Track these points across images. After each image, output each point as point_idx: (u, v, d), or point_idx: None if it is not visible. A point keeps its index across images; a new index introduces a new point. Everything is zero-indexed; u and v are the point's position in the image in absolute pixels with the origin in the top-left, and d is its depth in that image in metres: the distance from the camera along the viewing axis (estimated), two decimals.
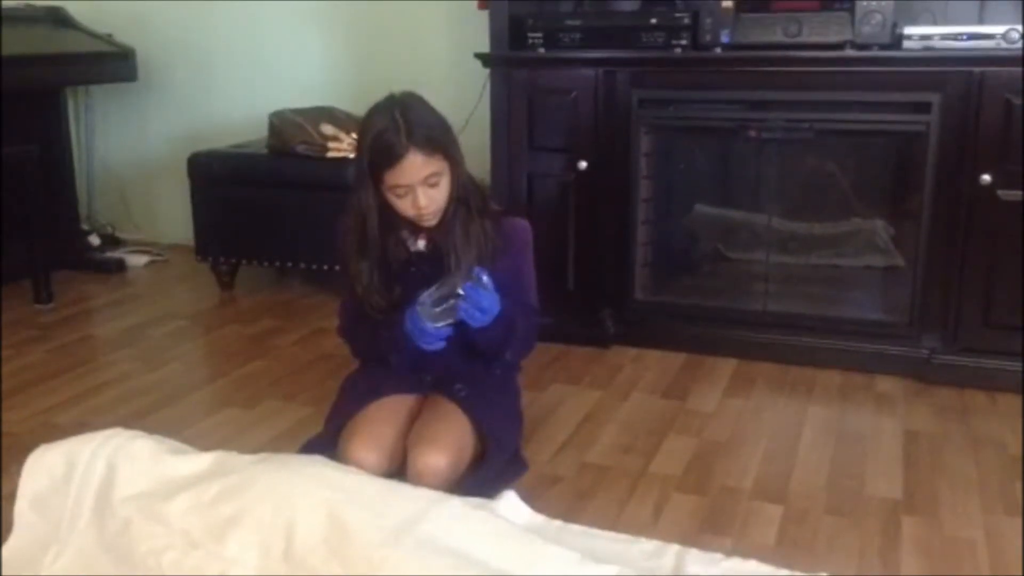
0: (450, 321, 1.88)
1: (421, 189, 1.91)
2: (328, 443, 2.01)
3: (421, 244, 2.05)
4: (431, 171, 1.91)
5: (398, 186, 1.91)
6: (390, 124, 1.89)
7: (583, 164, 2.89)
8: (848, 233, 3.04)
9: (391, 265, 2.03)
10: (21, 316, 3.33)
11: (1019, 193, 2.50)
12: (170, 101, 4.23)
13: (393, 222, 2.01)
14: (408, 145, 1.87)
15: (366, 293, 2.03)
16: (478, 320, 1.88)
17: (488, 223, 2.03)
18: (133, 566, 1.63)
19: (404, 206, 1.95)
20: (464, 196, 2.00)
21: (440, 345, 1.93)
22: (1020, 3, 2.72)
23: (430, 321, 1.87)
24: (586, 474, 2.17)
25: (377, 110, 1.94)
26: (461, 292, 1.84)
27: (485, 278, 1.87)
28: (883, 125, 2.70)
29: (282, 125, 3.44)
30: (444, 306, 1.86)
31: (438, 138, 1.92)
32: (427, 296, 1.87)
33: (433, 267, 2.00)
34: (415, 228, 2.03)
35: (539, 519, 1.85)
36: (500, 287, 2.02)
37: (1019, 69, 2.45)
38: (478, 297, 1.85)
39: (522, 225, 2.12)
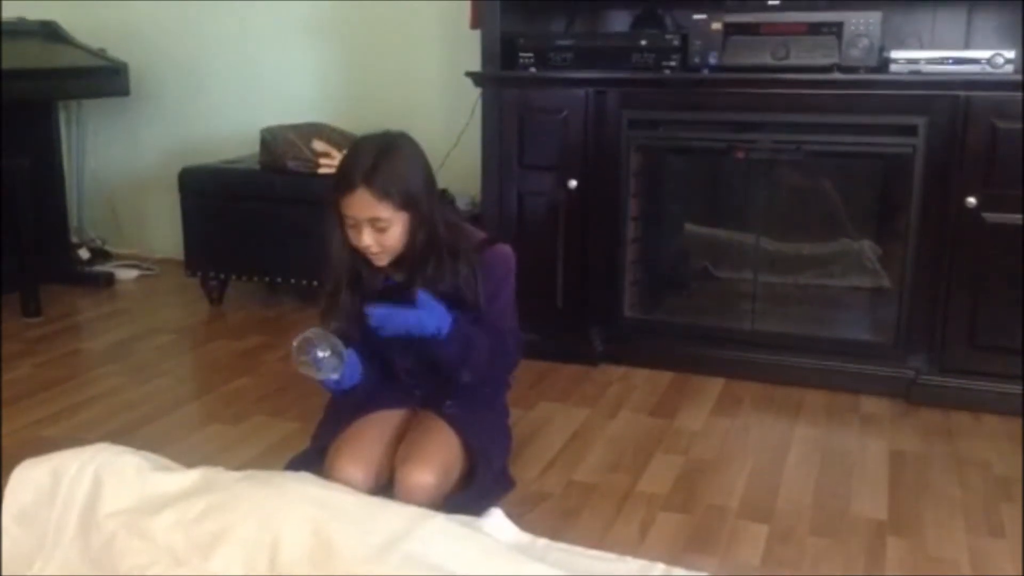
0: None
1: (367, 228, 1.92)
2: (315, 459, 2.01)
3: (398, 276, 2.04)
4: (377, 215, 1.90)
5: (346, 215, 1.93)
6: (361, 156, 1.92)
7: (573, 183, 2.90)
8: (835, 253, 3.06)
9: (365, 294, 2.03)
10: (9, 330, 3.32)
11: (1004, 216, 2.52)
12: (162, 116, 4.24)
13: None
14: (360, 182, 1.88)
15: (340, 316, 2.03)
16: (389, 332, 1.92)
17: (463, 263, 2.02)
18: None
19: (352, 237, 1.96)
20: (435, 243, 1.98)
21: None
22: (1006, 27, 2.76)
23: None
24: (573, 492, 2.17)
25: (362, 140, 1.98)
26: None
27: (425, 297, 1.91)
28: (870, 147, 2.72)
29: (273, 141, 3.45)
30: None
31: (400, 189, 1.91)
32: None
33: (406, 300, 1.97)
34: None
35: (525, 537, 1.85)
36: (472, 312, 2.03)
37: (1004, 94, 2.48)
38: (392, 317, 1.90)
39: (503, 254, 2.10)
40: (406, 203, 1.92)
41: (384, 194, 1.89)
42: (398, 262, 2.00)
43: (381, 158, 1.91)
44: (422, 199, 1.95)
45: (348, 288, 2.03)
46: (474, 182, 3.11)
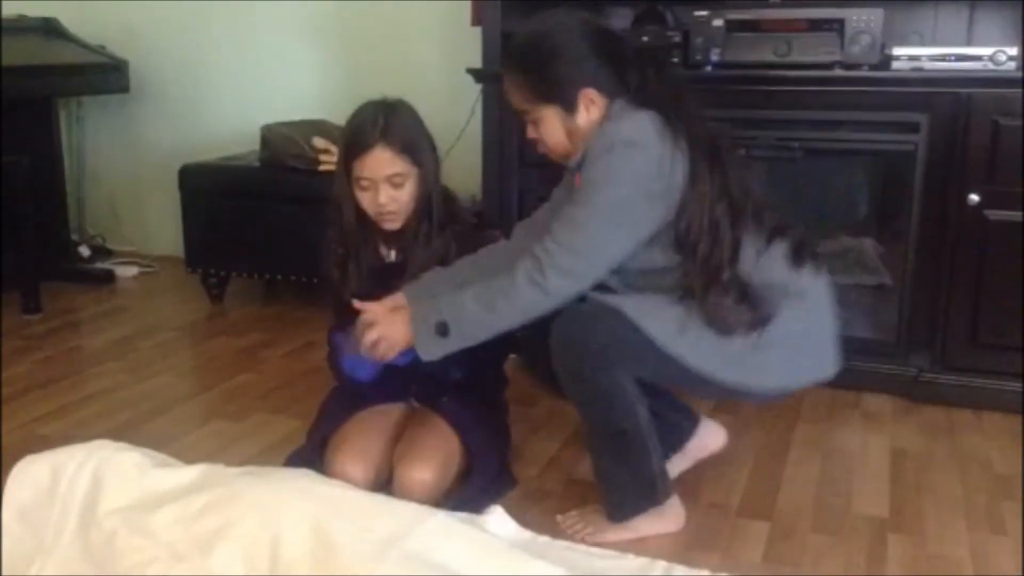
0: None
1: (384, 186, 1.96)
2: (314, 455, 2.01)
3: (393, 255, 2.09)
4: (396, 170, 1.95)
5: (362, 178, 1.97)
6: (369, 117, 1.96)
7: None
8: (837, 251, 3.05)
9: (367, 271, 2.06)
10: (9, 326, 3.31)
11: (1006, 213, 2.52)
12: (162, 113, 4.23)
13: (367, 223, 2.04)
14: (379, 138, 1.93)
15: (344, 285, 2.04)
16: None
17: (452, 239, 2.05)
18: None
19: (367, 200, 1.99)
20: (431, 208, 2.02)
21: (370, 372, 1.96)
22: (1008, 24, 2.76)
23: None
24: (574, 490, 2.16)
25: (364, 106, 2.02)
26: None
27: None
28: (872, 144, 2.71)
29: (273, 138, 3.45)
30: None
31: (412, 141, 1.98)
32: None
33: (402, 278, 2.01)
34: (385, 236, 2.06)
35: (526, 534, 1.85)
36: None
37: (1006, 90, 2.47)
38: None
39: (492, 240, 2.12)
40: (417, 158, 1.98)
41: (401, 148, 1.96)
42: (396, 233, 2.03)
43: (390, 115, 1.97)
44: (428, 157, 2.01)
45: (353, 262, 2.05)
46: (475, 179, 3.11)
